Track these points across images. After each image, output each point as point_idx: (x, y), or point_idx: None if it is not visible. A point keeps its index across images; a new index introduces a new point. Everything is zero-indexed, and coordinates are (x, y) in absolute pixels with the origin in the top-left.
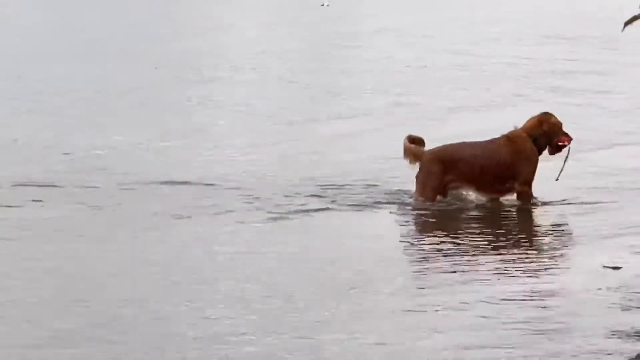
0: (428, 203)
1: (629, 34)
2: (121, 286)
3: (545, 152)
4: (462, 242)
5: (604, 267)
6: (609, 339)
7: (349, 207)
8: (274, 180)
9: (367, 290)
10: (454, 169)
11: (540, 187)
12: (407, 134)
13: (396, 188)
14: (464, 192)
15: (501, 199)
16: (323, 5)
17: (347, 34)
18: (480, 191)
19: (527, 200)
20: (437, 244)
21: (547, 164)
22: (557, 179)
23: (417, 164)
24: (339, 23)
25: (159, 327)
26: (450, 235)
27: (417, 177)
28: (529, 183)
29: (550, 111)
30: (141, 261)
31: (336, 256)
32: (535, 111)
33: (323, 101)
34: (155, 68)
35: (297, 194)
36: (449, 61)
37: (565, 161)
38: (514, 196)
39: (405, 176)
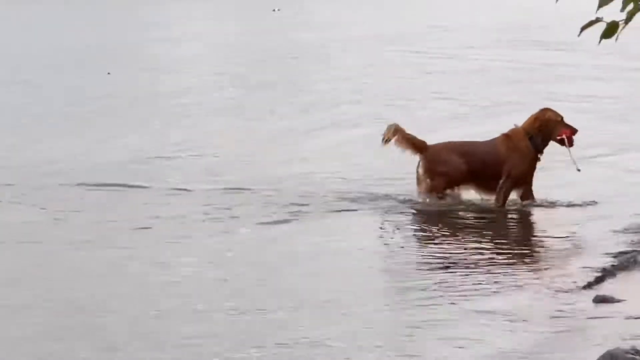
0: (445, 196)
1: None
2: (88, 293)
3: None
4: (455, 249)
5: None
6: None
7: (334, 215)
8: (259, 187)
9: (358, 303)
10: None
11: (548, 190)
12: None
13: (383, 193)
14: (461, 193)
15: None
16: (274, 10)
17: (320, 41)
18: (480, 190)
19: (504, 195)
20: (432, 251)
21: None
22: (578, 170)
23: (417, 156)
24: (307, 30)
25: (128, 336)
26: (444, 242)
27: (429, 170)
28: (513, 180)
29: (549, 107)
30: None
31: (323, 267)
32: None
33: (309, 110)
34: (108, 73)
35: (282, 203)
36: (433, 67)
37: (570, 152)
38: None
39: (390, 184)
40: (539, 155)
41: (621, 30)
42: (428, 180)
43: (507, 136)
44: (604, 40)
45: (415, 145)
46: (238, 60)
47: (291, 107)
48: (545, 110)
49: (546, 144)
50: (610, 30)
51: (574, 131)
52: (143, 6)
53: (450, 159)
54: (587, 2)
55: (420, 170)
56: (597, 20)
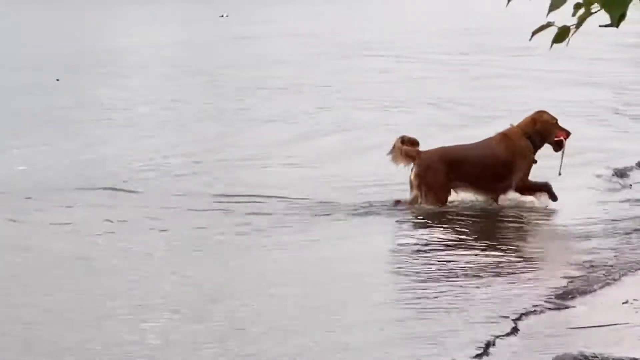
0: (440, 205)
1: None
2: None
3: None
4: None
5: None
6: None
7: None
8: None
9: (351, 315)
10: (455, 169)
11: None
12: (400, 136)
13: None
14: (460, 194)
15: (498, 200)
16: (222, 16)
17: (283, 48)
18: (479, 191)
19: (529, 192)
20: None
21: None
22: (559, 174)
23: (411, 165)
24: (266, 37)
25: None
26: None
27: (419, 178)
28: (526, 178)
29: (544, 109)
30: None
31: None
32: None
33: (291, 116)
34: (57, 80)
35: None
36: (415, 73)
37: (562, 156)
38: (508, 196)
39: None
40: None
41: (572, 35)
42: (424, 191)
43: (505, 135)
44: (558, 46)
45: (407, 155)
46: (202, 68)
47: (271, 112)
48: (542, 112)
49: (541, 146)
50: (562, 35)
51: (568, 134)
52: (93, 9)
53: (440, 169)
54: (541, 7)
55: (412, 177)
56: (549, 24)
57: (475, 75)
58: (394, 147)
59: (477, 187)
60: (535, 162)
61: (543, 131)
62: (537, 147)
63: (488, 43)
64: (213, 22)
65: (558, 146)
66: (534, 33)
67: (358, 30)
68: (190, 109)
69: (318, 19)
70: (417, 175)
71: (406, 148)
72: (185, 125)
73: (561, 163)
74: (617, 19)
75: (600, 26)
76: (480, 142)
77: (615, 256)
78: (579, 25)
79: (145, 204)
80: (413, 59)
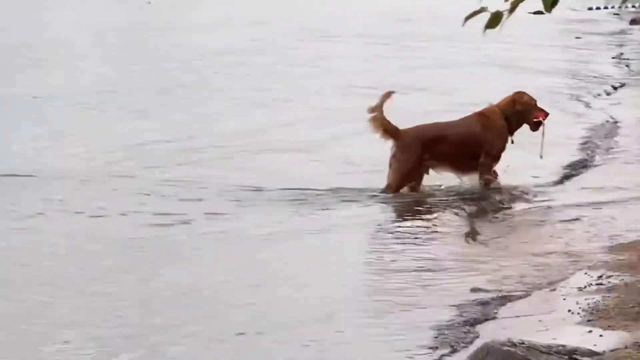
0: (389, 192)
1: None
2: None
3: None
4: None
5: None
6: None
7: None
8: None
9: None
10: (432, 148)
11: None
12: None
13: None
14: (437, 173)
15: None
16: (149, 2)
17: (244, 36)
18: (456, 169)
19: (487, 172)
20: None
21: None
22: (541, 157)
23: (391, 142)
24: (220, 27)
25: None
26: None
27: (394, 157)
28: (494, 157)
29: (523, 90)
30: None
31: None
32: None
33: (278, 103)
34: None
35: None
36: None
37: (543, 137)
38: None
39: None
40: (511, 138)
41: (505, 20)
42: (389, 174)
43: (482, 114)
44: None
45: (388, 132)
46: (143, 56)
47: (227, 103)
48: (522, 93)
49: (519, 127)
50: (494, 20)
51: (547, 114)
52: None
53: (415, 149)
54: None
55: (391, 160)
56: (482, 10)
57: (475, 63)
58: (374, 113)
59: (453, 165)
60: (512, 142)
61: (523, 112)
62: (514, 128)
63: (422, 30)
64: (140, 9)
65: (536, 127)
66: (467, 18)
67: (314, 16)
68: (143, 96)
69: (260, 7)
70: (392, 158)
71: (388, 124)
72: (139, 113)
73: (542, 145)
74: (550, 5)
75: (529, 13)
76: (458, 120)
77: (571, 245)
78: (512, 10)
79: (97, 189)
80: (361, 44)
